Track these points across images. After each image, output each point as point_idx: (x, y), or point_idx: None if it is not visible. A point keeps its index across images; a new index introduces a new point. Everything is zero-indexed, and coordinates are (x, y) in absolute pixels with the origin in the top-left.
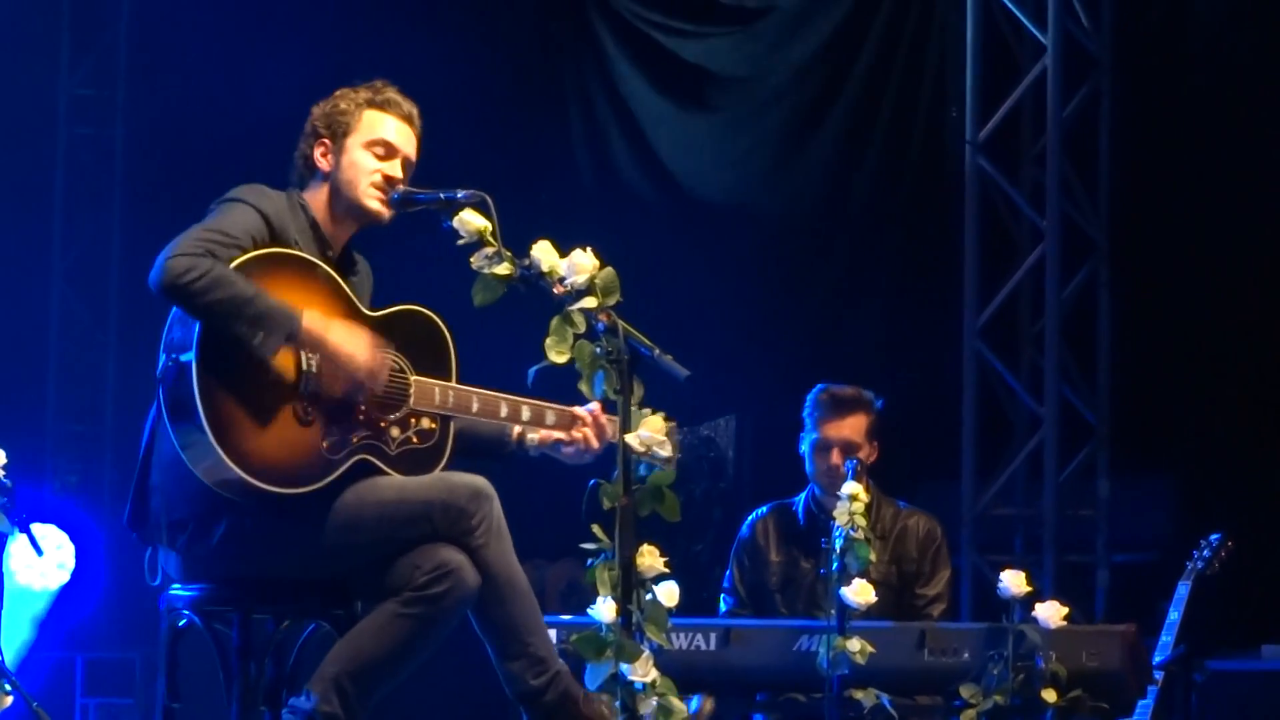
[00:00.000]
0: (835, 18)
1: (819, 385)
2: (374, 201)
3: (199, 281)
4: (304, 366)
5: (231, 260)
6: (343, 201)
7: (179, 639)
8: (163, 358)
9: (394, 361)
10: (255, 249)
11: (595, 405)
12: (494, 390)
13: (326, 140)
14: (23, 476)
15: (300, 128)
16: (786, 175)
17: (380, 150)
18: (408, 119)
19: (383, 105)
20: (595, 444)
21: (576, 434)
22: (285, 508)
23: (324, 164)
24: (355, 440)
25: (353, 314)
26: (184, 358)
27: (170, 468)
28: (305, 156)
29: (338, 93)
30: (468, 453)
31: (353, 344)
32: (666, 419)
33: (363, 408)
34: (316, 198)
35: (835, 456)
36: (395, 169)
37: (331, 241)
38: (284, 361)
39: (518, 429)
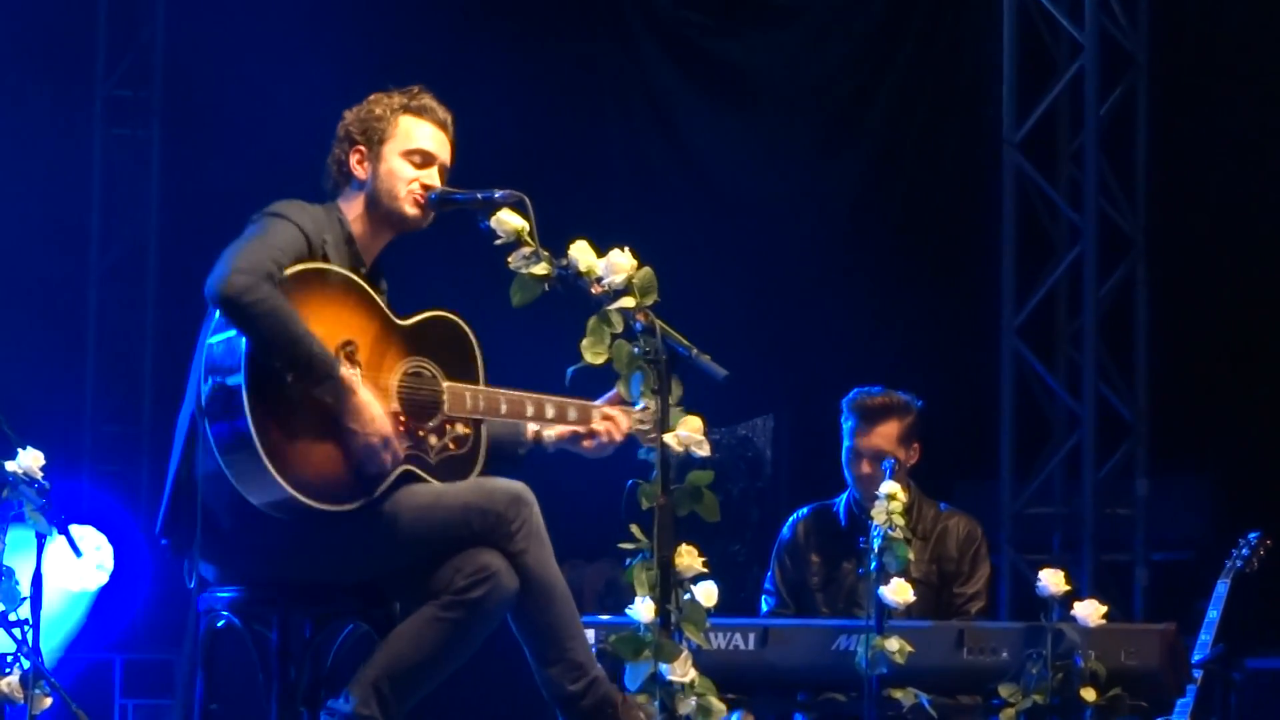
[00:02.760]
0: (872, 16)
1: (854, 390)
2: (411, 208)
3: (258, 306)
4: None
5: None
6: (381, 210)
7: (218, 640)
8: (209, 380)
9: (422, 367)
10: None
11: (615, 397)
12: (516, 390)
13: (362, 147)
14: (61, 477)
15: (335, 130)
16: (823, 174)
17: (418, 159)
18: (443, 125)
19: (419, 111)
20: (617, 437)
21: (598, 427)
22: (327, 519)
23: (360, 171)
24: (400, 453)
25: (386, 325)
26: (232, 381)
27: (214, 483)
28: (340, 163)
29: (371, 98)
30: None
31: (372, 410)
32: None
33: (403, 417)
34: (352, 207)
35: (866, 466)
36: (433, 177)
37: (364, 254)
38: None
39: (533, 429)
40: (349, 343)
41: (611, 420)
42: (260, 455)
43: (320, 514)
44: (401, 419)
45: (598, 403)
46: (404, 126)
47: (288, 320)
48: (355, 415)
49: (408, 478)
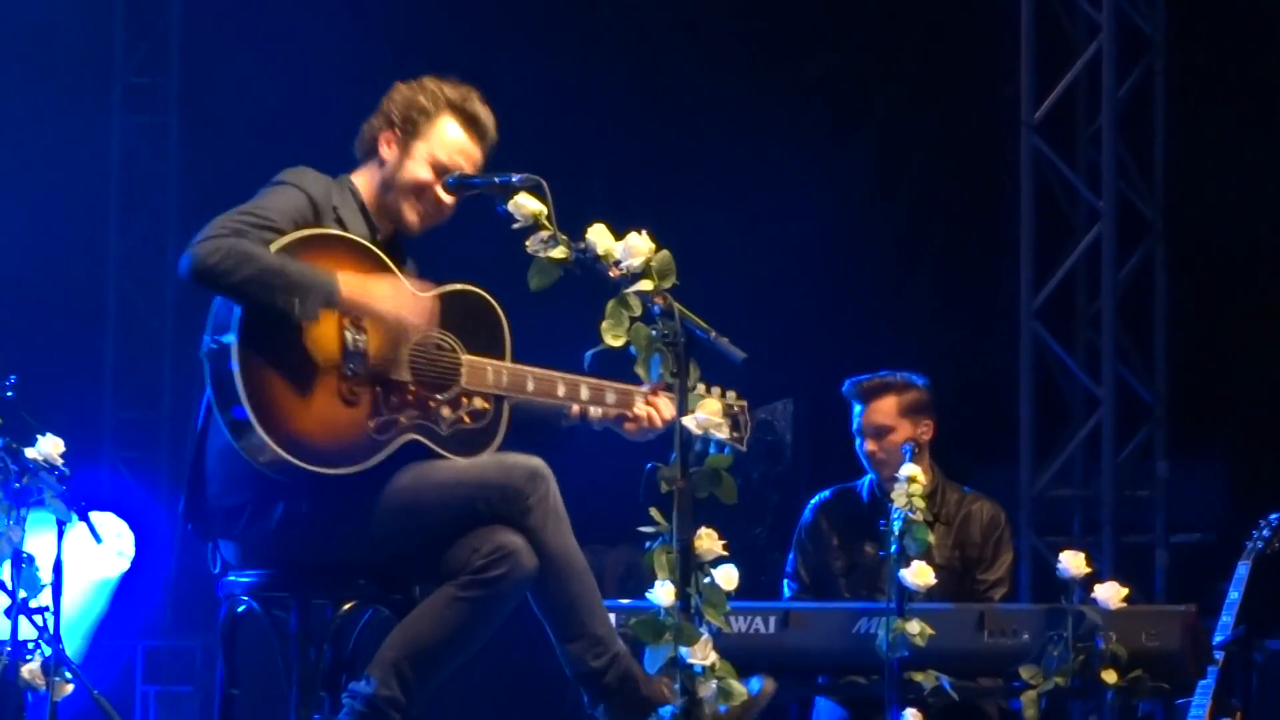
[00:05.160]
0: None
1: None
2: (412, 214)
3: (225, 261)
4: (349, 344)
5: (267, 243)
6: (389, 198)
7: (238, 625)
8: (206, 339)
9: (441, 339)
10: (297, 230)
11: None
12: (552, 369)
13: (396, 131)
14: (80, 464)
15: (355, 112)
16: (841, 157)
17: (440, 171)
18: (482, 139)
19: (466, 120)
20: (658, 423)
21: (639, 410)
22: (341, 491)
23: (385, 152)
24: (404, 420)
25: (400, 293)
26: (225, 339)
27: (223, 454)
28: (371, 138)
29: (426, 82)
30: (522, 430)
31: (395, 300)
32: (739, 396)
33: (412, 387)
34: (366, 182)
35: (870, 444)
36: (448, 197)
37: (379, 225)
38: (328, 341)
39: (577, 406)
40: None
41: (654, 405)
42: (249, 415)
43: (326, 482)
44: (410, 388)
45: (644, 387)
46: (442, 130)
47: (258, 257)
48: (380, 317)
49: (415, 448)
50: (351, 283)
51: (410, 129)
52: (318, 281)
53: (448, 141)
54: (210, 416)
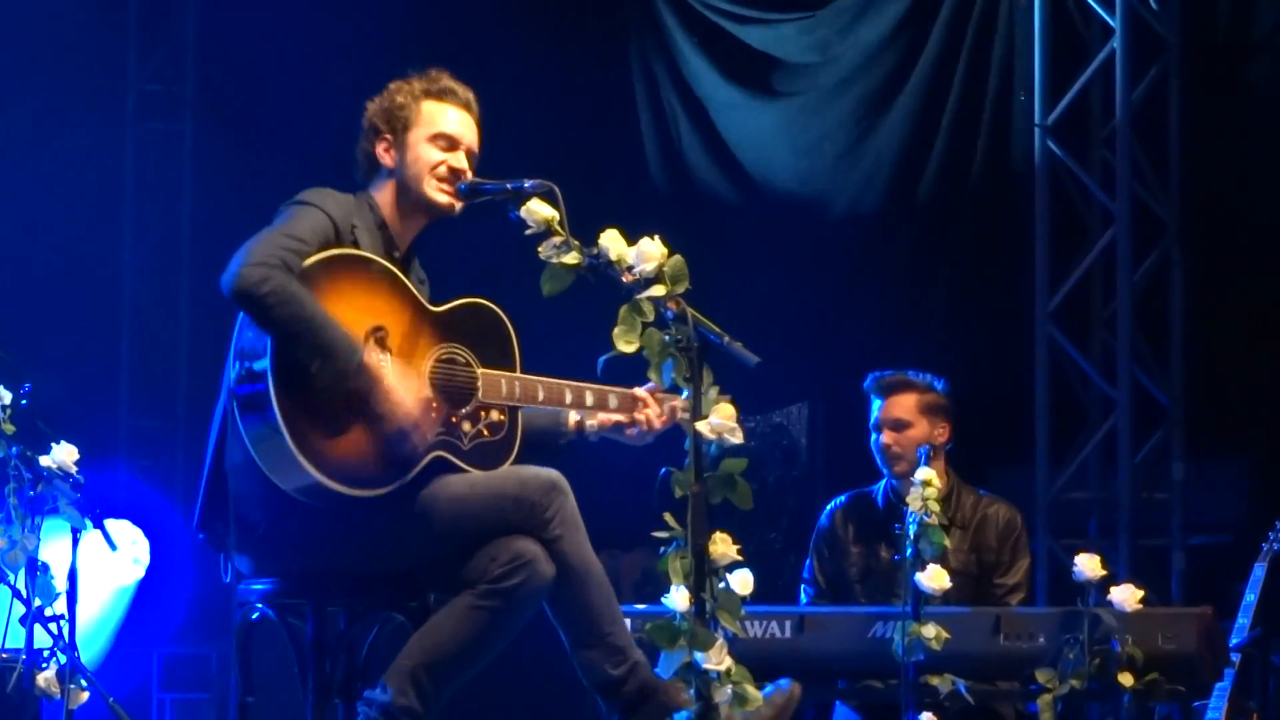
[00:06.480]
0: (903, 2)
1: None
2: (441, 195)
3: (272, 296)
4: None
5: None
6: (410, 197)
7: (253, 633)
8: (236, 365)
9: (456, 353)
10: (322, 250)
11: (652, 384)
12: (555, 378)
13: (388, 136)
14: (95, 471)
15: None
16: (855, 161)
17: (443, 143)
18: (466, 106)
19: (440, 95)
20: (657, 425)
21: (639, 416)
22: (360, 505)
23: (388, 160)
24: (430, 438)
25: (418, 311)
26: (258, 365)
27: (244, 473)
28: (368, 154)
29: (391, 86)
30: (524, 446)
31: (402, 391)
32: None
33: (435, 404)
34: (383, 196)
35: (886, 437)
36: (460, 160)
37: (398, 240)
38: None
39: (574, 418)
40: (379, 328)
41: (654, 407)
42: (287, 440)
43: (351, 501)
44: (434, 404)
45: (640, 390)
46: (427, 112)
47: (306, 308)
48: (383, 400)
49: (440, 464)
50: (373, 362)
51: (399, 126)
52: (345, 351)
53: (437, 118)
54: (227, 434)
